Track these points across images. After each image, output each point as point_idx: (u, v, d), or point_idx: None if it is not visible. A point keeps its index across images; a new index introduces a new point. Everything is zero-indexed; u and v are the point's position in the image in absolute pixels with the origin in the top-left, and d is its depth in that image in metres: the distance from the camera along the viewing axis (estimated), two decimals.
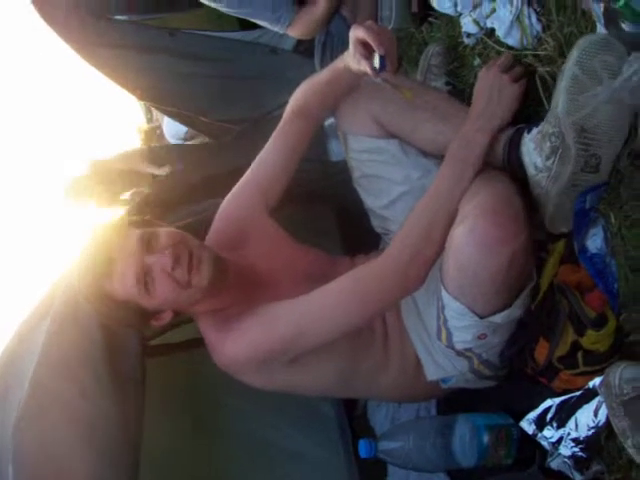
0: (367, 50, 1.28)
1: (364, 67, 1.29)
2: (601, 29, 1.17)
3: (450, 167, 1.29)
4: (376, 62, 1.27)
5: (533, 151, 1.25)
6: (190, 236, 1.35)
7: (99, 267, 1.29)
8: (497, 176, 1.28)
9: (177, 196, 1.76)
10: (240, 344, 1.33)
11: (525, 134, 1.28)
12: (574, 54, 1.16)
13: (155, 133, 3.69)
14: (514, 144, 1.29)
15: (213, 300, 1.37)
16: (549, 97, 1.30)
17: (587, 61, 1.14)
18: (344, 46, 1.37)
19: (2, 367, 1.42)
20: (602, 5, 1.11)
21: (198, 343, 1.48)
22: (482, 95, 1.34)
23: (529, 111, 1.37)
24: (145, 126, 4.28)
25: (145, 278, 1.28)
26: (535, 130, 1.25)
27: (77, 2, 2.23)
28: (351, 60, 1.33)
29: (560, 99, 1.18)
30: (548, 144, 1.21)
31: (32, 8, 2.18)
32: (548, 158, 1.22)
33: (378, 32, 1.27)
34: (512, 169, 1.30)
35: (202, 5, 2.20)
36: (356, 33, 1.28)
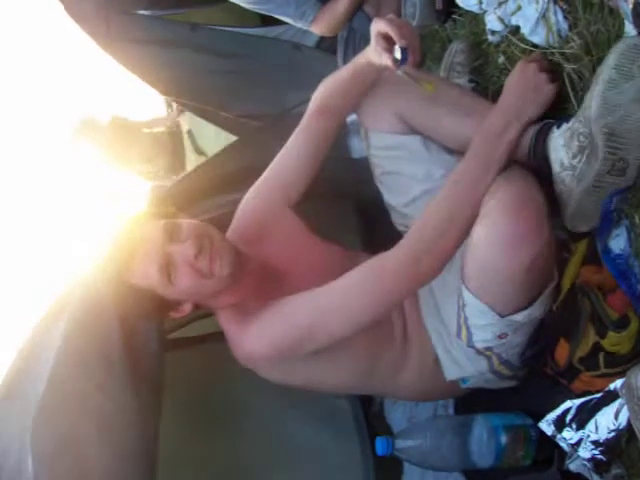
0: (389, 43, 1.28)
1: (386, 60, 1.29)
2: (629, 27, 1.15)
3: (474, 160, 1.27)
4: (397, 54, 1.26)
5: (561, 147, 1.23)
6: (212, 227, 1.37)
7: (121, 256, 1.30)
8: (520, 173, 1.27)
9: (199, 190, 1.77)
10: (260, 338, 1.33)
11: (554, 129, 1.26)
12: (612, 58, 1.13)
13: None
14: (541, 138, 1.28)
15: (233, 294, 1.38)
16: (576, 95, 1.29)
17: (625, 66, 1.12)
18: (367, 43, 1.37)
19: (19, 364, 1.43)
20: (631, 2, 1.10)
21: (217, 337, 1.48)
22: (516, 89, 1.32)
23: (555, 108, 1.35)
24: None
25: (167, 268, 1.29)
26: (565, 126, 1.24)
27: None
28: (373, 54, 1.33)
29: (594, 102, 1.16)
30: (576, 143, 1.20)
31: (59, 3, 2.20)
32: (575, 157, 1.20)
33: (399, 25, 1.27)
34: (537, 163, 1.29)
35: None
36: (377, 26, 1.29)
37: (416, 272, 1.25)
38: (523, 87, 1.31)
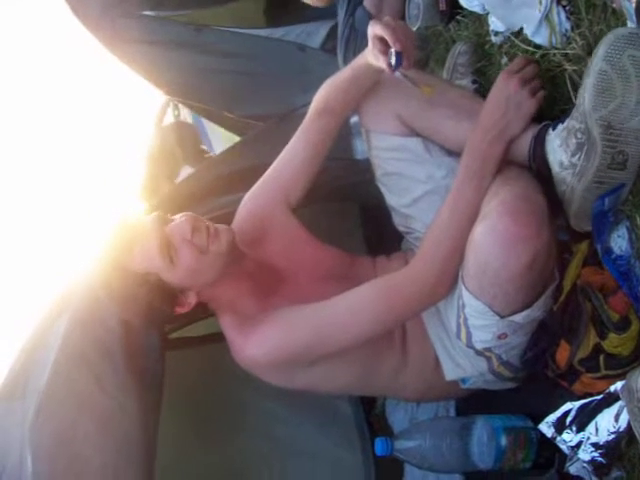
0: (385, 46, 1.28)
1: (381, 63, 1.29)
2: (631, 26, 1.14)
3: (467, 179, 1.28)
4: (392, 58, 1.26)
5: (558, 148, 1.23)
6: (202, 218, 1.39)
7: (120, 244, 1.32)
8: (519, 174, 1.27)
9: (204, 190, 1.77)
10: (262, 346, 1.34)
11: (550, 130, 1.26)
12: (601, 49, 1.12)
13: None
14: (539, 141, 1.27)
15: (231, 287, 1.39)
16: (577, 96, 1.28)
17: (615, 56, 1.11)
18: (367, 42, 1.36)
19: (21, 363, 1.44)
20: (634, 1, 1.09)
21: (218, 338, 1.48)
22: (498, 105, 1.31)
23: (557, 110, 1.35)
24: None
25: (167, 249, 1.31)
26: (561, 126, 1.23)
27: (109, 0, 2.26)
28: (370, 56, 1.33)
29: (587, 95, 1.15)
30: (574, 140, 1.19)
31: (66, 6, 2.22)
32: (574, 155, 1.20)
33: (395, 28, 1.26)
34: (537, 166, 1.28)
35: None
36: (374, 29, 1.29)
37: (429, 293, 1.30)
38: (505, 105, 1.30)
